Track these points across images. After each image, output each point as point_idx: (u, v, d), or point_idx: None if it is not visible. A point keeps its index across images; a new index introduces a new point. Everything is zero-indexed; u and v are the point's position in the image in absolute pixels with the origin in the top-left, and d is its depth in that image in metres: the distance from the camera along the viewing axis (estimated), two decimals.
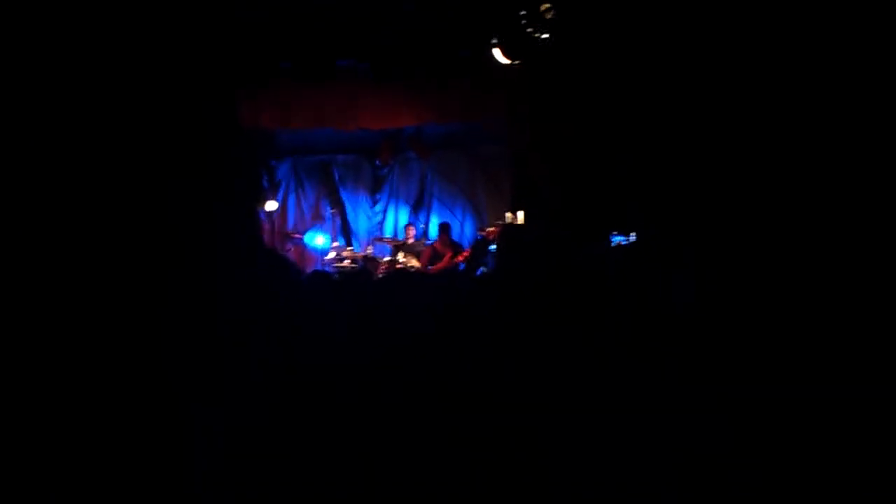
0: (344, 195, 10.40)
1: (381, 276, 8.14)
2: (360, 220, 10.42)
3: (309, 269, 9.49)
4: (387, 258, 9.24)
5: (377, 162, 10.27)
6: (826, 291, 2.89)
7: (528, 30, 6.37)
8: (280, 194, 10.24)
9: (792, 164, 4.09)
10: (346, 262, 9.22)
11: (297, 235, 9.98)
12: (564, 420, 2.34)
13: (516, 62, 6.79)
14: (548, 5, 6.28)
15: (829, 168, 3.73)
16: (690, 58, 5.54)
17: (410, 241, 9.35)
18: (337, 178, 10.40)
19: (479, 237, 8.79)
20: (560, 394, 2.39)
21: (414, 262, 9.00)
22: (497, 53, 6.83)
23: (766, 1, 4.65)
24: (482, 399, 2.41)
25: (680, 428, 2.24)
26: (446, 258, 8.64)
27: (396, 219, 10.33)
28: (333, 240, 9.94)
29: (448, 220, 9.71)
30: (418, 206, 10.33)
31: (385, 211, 10.41)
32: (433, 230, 9.94)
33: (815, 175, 3.83)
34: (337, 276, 8.74)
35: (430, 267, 8.71)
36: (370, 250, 9.64)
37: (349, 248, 9.70)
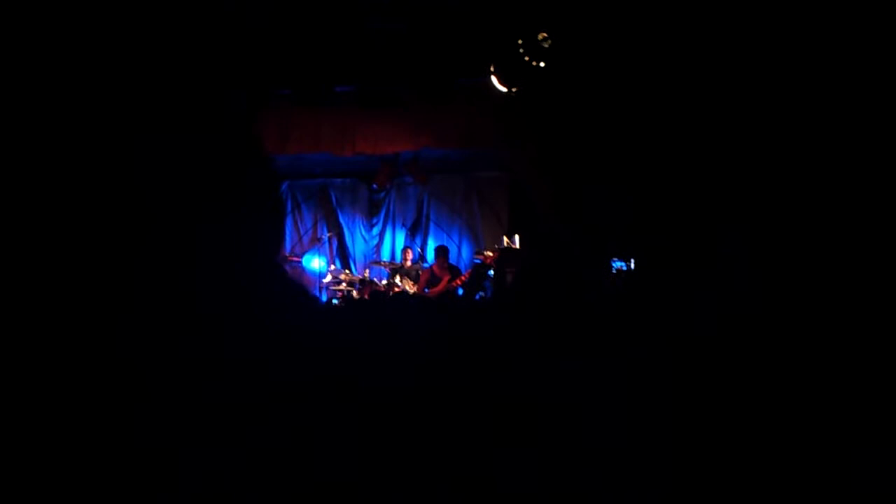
0: (341, 218, 10.47)
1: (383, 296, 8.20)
2: (358, 243, 10.48)
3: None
4: (384, 281, 9.30)
5: (374, 186, 10.34)
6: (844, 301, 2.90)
7: (525, 58, 6.48)
8: None
9: (790, 192, 4.16)
10: (343, 286, 9.27)
11: (294, 258, 10.02)
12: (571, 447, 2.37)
13: (513, 90, 6.89)
14: (544, 34, 6.40)
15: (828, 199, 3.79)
16: (685, 82, 5.65)
17: (408, 264, 9.40)
18: (334, 201, 10.48)
19: (476, 262, 8.83)
20: (568, 422, 2.42)
21: (410, 286, 9.05)
22: (494, 81, 6.93)
23: (759, 30, 4.77)
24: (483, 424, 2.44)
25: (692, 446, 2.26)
26: (444, 282, 8.69)
27: (393, 242, 10.39)
28: (330, 263, 9.99)
29: (444, 243, 9.78)
30: (415, 230, 10.40)
31: (382, 234, 10.48)
32: (430, 254, 10.01)
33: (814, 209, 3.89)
34: (339, 301, 8.80)
35: (427, 290, 8.75)
36: (367, 273, 9.69)
37: (346, 272, 9.75)
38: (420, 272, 9.22)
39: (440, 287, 8.66)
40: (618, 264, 5.96)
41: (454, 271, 8.89)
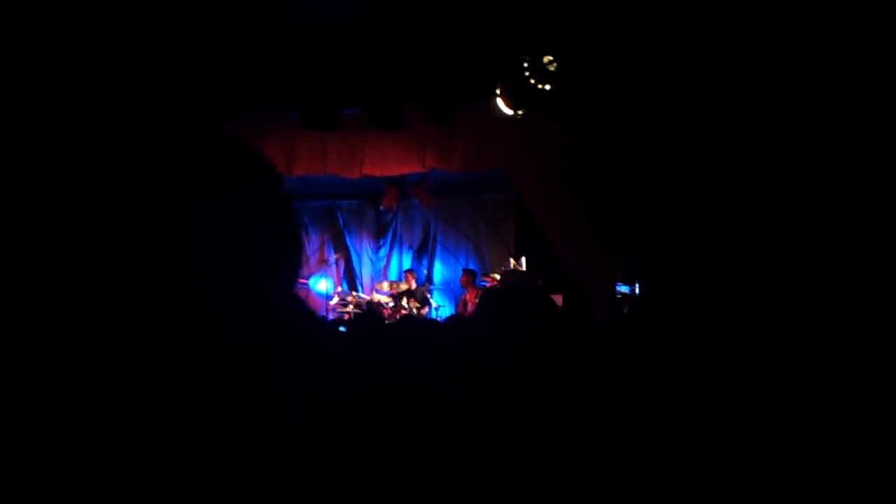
0: (348, 240, 10.48)
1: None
2: (364, 265, 10.49)
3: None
4: (391, 304, 9.27)
5: (381, 208, 10.36)
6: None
7: (531, 81, 6.49)
8: None
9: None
10: (351, 308, 9.24)
11: (301, 280, 10.01)
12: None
13: (519, 112, 6.89)
14: (550, 57, 6.41)
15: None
16: (693, 103, 5.64)
17: (413, 287, 9.39)
18: (341, 222, 10.50)
19: (483, 284, 8.80)
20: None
21: (417, 308, 9.02)
22: (500, 103, 6.93)
23: (765, 55, 4.77)
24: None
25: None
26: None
27: (400, 264, 10.39)
28: (337, 285, 9.98)
29: (451, 265, 9.77)
30: (422, 252, 10.40)
31: (389, 256, 10.48)
32: (437, 276, 10.00)
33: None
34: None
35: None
36: (374, 296, 9.67)
37: (353, 294, 9.73)
38: (425, 295, 9.23)
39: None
40: (622, 288, 5.91)
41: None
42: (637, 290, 5.78)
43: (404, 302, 9.11)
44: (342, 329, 8.76)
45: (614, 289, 6.04)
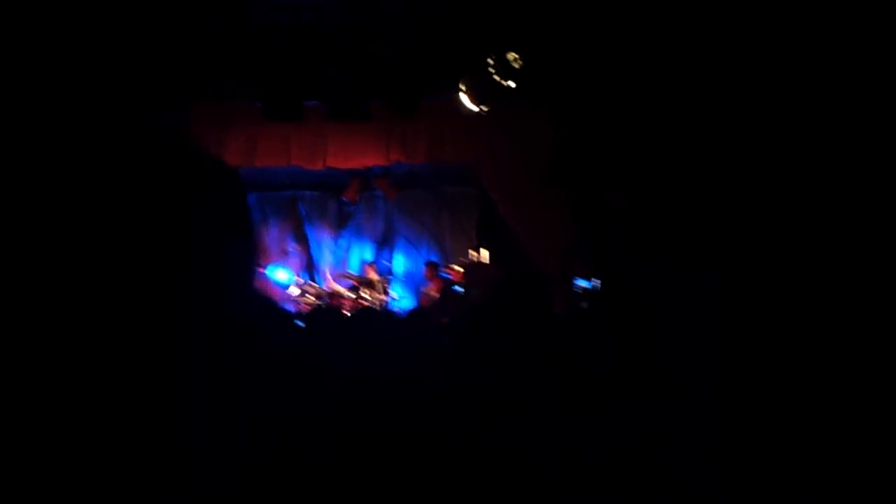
0: (309, 231, 10.44)
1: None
2: (325, 255, 10.46)
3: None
4: (352, 295, 9.28)
5: (343, 199, 10.35)
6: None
7: (496, 77, 6.56)
8: None
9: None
10: (310, 298, 9.23)
11: (258, 269, 9.93)
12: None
13: (483, 108, 6.96)
14: (515, 54, 6.49)
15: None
16: (657, 99, 5.76)
17: (373, 278, 9.42)
18: (302, 213, 10.45)
19: (444, 276, 8.86)
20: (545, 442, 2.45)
21: (376, 299, 9.05)
22: (464, 99, 6.99)
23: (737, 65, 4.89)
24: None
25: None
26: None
27: (361, 255, 10.40)
28: (296, 275, 9.95)
29: (413, 257, 9.81)
30: (383, 244, 10.42)
31: (349, 248, 10.48)
32: (398, 267, 10.04)
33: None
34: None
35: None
36: (334, 286, 9.66)
37: (313, 284, 9.71)
38: (385, 286, 9.27)
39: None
40: (583, 283, 6.05)
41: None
42: (597, 285, 5.91)
43: (364, 293, 9.13)
44: (299, 323, 8.66)
45: (574, 283, 6.17)
